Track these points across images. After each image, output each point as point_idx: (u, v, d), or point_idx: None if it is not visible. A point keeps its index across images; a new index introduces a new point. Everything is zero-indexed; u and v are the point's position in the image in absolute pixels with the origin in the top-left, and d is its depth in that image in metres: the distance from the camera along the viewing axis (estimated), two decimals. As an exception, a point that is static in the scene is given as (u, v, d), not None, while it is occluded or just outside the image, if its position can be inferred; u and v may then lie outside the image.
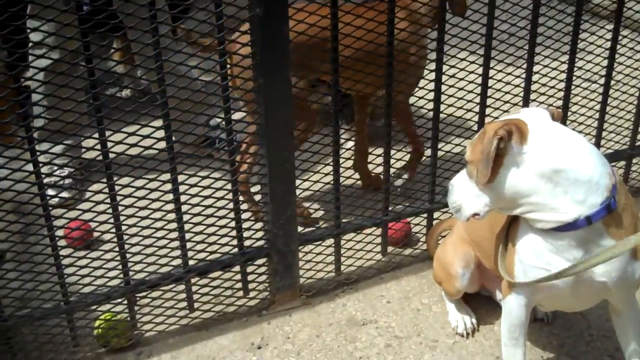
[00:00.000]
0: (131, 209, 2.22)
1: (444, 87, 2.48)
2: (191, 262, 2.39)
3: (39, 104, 2.36)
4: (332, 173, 2.45)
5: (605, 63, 2.74)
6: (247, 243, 2.46)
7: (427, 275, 2.68)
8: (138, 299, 2.40)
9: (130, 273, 2.33)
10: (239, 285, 2.52)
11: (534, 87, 2.63)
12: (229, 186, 2.32)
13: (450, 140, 2.69)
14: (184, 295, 2.44)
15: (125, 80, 3.85)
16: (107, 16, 2.02)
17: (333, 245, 2.60)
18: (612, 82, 2.77)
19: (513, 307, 2.00)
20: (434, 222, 2.70)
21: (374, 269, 2.71)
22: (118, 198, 2.18)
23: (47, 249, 2.16)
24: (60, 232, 2.31)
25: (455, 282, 2.35)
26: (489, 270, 2.29)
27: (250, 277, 2.52)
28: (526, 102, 2.61)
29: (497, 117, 2.11)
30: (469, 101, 2.59)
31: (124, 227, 2.23)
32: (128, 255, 2.29)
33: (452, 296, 2.42)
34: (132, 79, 3.86)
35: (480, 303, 2.51)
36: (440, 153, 2.61)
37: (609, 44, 2.70)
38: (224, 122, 2.23)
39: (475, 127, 2.69)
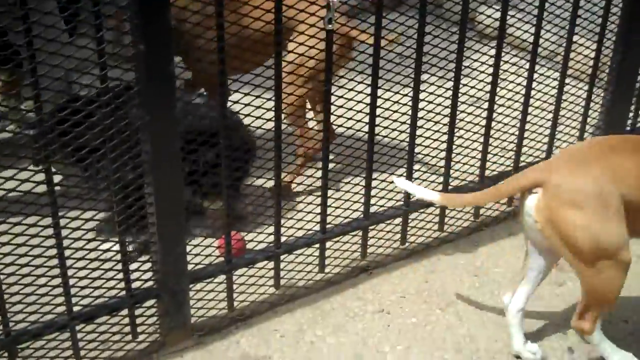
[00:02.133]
0: (9, 257, 2.08)
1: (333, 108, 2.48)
2: (76, 308, 2.26)
3: None
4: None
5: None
6: (135, 284, 2.35)
7: (322, 306, 2.66)
8: (20, 350, 2.25)
9: (11, 323, 2.18)
10: (127, 329, 2.40)
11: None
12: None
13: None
14: (69, 344, 2.30)
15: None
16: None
17: (225, 281, 2.53)
18: (496, 105, 2.84)
19: None
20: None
21: (267, 303, 2.65)
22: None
23: None
24: None
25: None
26: None
27: (139, 320, 2.41)
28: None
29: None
30: (358, 121, 2.59)
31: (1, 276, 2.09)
32: (7, 305, 2.14)
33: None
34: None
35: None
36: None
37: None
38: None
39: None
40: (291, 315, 2.63)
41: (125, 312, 2.37)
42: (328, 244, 2.71)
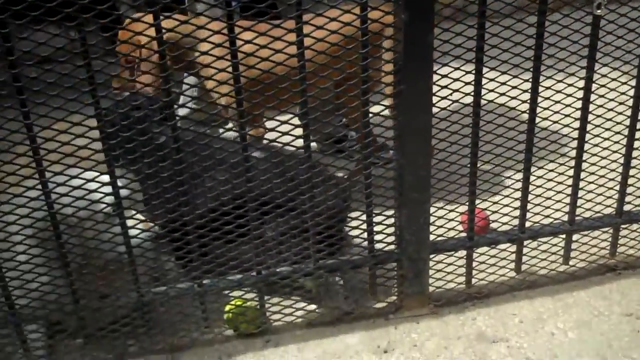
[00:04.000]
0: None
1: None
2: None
3: None
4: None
5: None
6: (377, 246, 2.48)
7: (565, 299, 2.59)
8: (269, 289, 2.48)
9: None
10: (367, 286, 2.55)
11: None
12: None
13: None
14: (314, 290, 2.49)
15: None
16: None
17: (465, 257, 2.57)
18: None
19: None
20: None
21: (506, 286, 2.65)
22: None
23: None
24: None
25: None
26: None
27: (378, 280, 2.54)
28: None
29: None
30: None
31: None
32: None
33: None
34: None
35: None
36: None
37: None
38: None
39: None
40: (530, 302, 2.60)
41: (366, 270, 2.51)
42: (575, 237, 2.64)
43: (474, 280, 2.63)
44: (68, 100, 1.94)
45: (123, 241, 2.18)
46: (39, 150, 1.98)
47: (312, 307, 2.55)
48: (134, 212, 2.27)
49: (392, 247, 2.49)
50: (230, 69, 2.06)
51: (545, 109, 2.40)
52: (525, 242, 2.62)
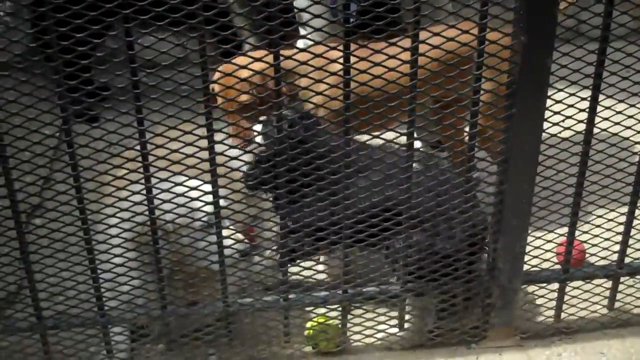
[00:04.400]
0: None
1: None
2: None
3: None
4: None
5: None
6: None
7: (658, 340, 2.49)
8: (353, 308, 2.41)
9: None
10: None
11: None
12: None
13: None
14: (395, 314, 2.43)
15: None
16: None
17: (557, 290, 2.48)
18: None
19: None
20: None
21: (597, 322, 2.55)
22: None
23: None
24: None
25: None
26: None
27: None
28: None
29: None
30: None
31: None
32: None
33: None
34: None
35: None
36: None
37: None
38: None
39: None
40: (621, 342, 2.49)
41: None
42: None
43: (563, 315, 2.53)
44: (182, 109, 1.93)
45: (217, 251, 2.14)
46: (148, 156, 1.96)
47: (394, 330, 2.48)
48: (228, 222, 2.24)
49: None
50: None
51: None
52: (622, 279, 2.51)
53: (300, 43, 2.82)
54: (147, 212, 2.02)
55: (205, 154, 1.99)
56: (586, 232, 2.41)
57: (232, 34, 1.94)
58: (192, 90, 1.92)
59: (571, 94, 2.15)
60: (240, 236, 2.24)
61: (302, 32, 2.85)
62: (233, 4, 3.01)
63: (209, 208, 2.10)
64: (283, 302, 2.32)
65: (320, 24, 1.98)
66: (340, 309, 2.40)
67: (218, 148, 1.99)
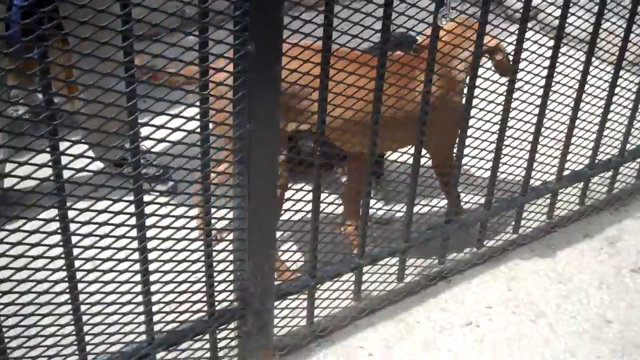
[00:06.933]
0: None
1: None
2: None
3: None
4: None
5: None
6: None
7: (405, 319, 2.49)
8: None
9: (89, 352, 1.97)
10: (208, 354, 2.21)
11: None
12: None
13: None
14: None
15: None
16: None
17: (306, 295, 2.34)
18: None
19: None
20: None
21: (348, 317, 2.47)
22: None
23: None
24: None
25: None
26: None
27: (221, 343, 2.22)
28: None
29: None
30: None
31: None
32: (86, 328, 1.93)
33: None
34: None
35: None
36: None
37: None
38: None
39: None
40: (374, 330, 2.45)
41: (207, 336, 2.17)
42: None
43: (316, 319, 2.40)
44: None
45: None
46: None
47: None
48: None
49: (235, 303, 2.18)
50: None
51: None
52: (365, 269, 2.44)
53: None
54: None
55: None
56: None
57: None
58: None
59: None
60: None
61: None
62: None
63: None
64: None
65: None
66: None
67: None
